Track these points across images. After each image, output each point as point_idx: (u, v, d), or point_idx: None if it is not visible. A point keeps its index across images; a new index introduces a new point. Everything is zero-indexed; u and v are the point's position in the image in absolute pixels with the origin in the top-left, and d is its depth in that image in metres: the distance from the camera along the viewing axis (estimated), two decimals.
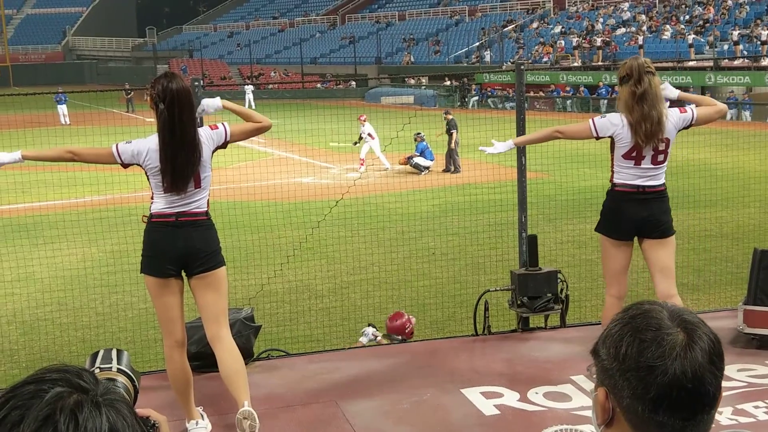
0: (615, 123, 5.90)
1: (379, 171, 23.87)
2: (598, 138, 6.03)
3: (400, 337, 8.49)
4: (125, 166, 5.36)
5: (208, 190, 5.37)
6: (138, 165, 5.30)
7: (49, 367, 1.43)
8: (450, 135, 23.64)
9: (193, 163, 5.19)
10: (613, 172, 6.05)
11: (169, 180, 5.18)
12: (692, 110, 5.98)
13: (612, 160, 6.03)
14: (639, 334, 1.65)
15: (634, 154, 5.88)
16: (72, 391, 1.37)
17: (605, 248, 6.18)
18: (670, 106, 6.04)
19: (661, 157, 5.91)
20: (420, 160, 23.59)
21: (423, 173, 23.25)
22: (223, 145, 5.40)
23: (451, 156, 23.52)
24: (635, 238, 6.12)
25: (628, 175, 5.95)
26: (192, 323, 6.28)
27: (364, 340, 8.64)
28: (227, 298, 5.58)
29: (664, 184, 6.03)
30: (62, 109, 40.14)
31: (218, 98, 5.67)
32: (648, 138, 5.77)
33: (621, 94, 5.91)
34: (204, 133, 5.28)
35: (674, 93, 6.19)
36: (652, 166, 5.91)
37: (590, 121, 6.07)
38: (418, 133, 23.40)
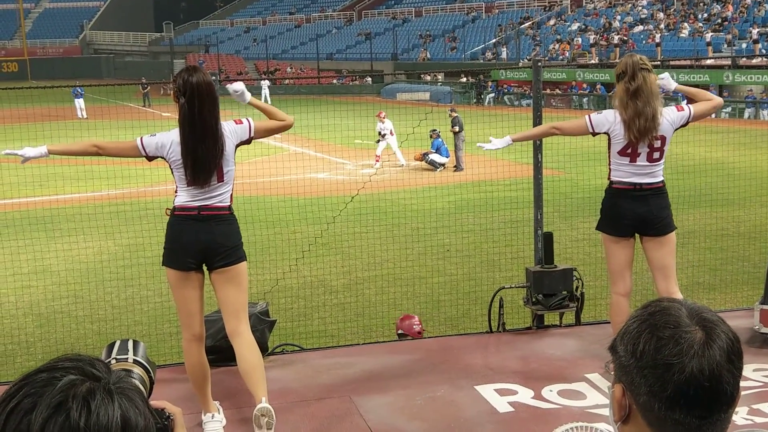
0: (610, 119, 5.96)
1: (395, 167, 23.88)
2: (594, 134, 6.07)
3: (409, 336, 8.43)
4: (150, 158, 5.39)
5: (231, 184, 5.38)
6: (162, 158, 5.33)
7: (63, 356, 1.44)
8: (453, 127, 23.73)
9: (215, 156, 5.20)
10: (610, 169, 6.10)
11: (191, 173, 5.20)
12: (689, 108, 6.04)
13: (609, 157, 6.08)
14: (657, 332, 1.64)
15: (629, 150, 5.92)
16: (84, 379, 1.38)
17: (607, 246, 6.23)
18: (666, 103, 6.05)
19: (656, 155, 5.95)
20: (435, 157, 23.63)
21: (438, 170, 23.27)
22: (247, 141, 5.41)
23: (457, 157, 23.57)
24: (637, 236, 6.14)
25: (624, 173, 6.00)
26: (208, 317, 6.30)
27: None
28: (247, 293, 5.59)
29: (662, 180, 6.05)
30: (79, 102, 40.34)
31: (249, 96, 5.66)
32: (641, 134, 5.80)
33: (617, 91, 5.99)
34: (228, 128, 5.30)
35: (672, 85, 6.22)
36: (648, 163, 5.95)
37: (586, 117, 6.13)
38: (434, 130, 23.44)
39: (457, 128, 23.59)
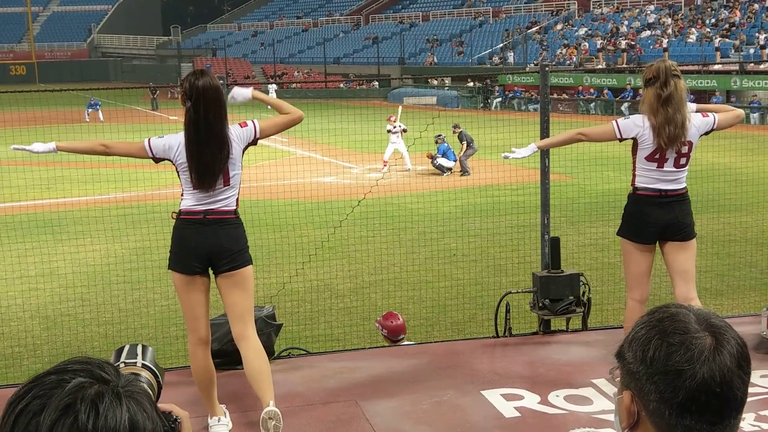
0: (638, 124, 5.89)
1: (401, 171, 23.89)
2: (621, 139, 6.01)
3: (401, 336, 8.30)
4: (157, 160, 5.40)
5: (237, 188, 5.37)
6: (169, 160, 5.33)
7: (72, 359, 1.44)
8: (462, 143, 23.78)
9: (220, 161, 5.20)
10: (634, 175, 6.02)
11: (196, 177, 5.21)
12: (714, 115, 6.01)
13: (634, 162, 6.01)
14: (667, 338, 1.64)
15: (657, 156, 5.87)
16: (93, 382, 1.38)
17: (628, 252, 6.16)
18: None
19: (683, 161, 5.91)
20: (443, 161, 23.66)
21: (446, 174, 23.29)
22: (254, 142, 5.41)
23: (461, 162, 23.63)
24: (657, 241, 6.11)
25: (650, 179, 5.94)
26: (214, 320, 6.30)
27: None
28: (253, 297, 5.59)
29: (685, 187, 6.03)
30: (94, 109, 40.40)
31: (251, 88, 5.68)
32: (671, 141, 5.77)
33: (645, 96, 5.89)
34: (234, 132, 5.30)
35: (692, 107, 6.15)
36: (675, 169, 5.90)
37: (614, 122, 6.05)
38: (439, 135, 23.45)
39: (465, 143, 23.64)
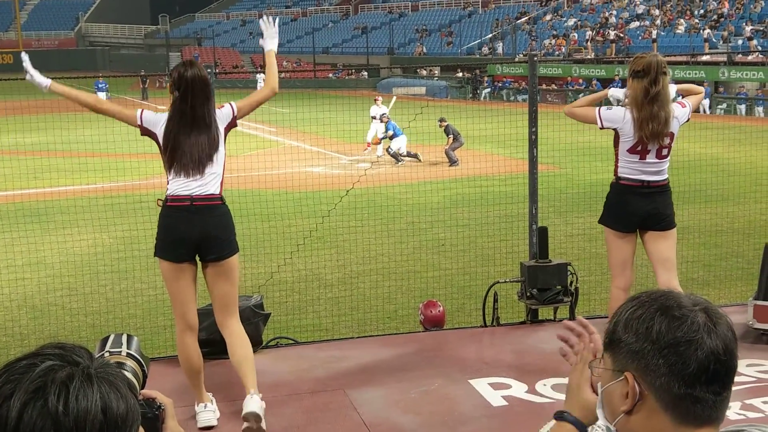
0: (619, 116, 5.94)
1: (390, 162, 23.87)
2: (601, 128, 6.05)
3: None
4: (143, 132, 5.43)
5: (221, 167, 5.39)
6: (155, 135, 5.35)
7: (46, 344, 1.45)
8: (448, 136, 23.67)
9: (205, 147, 5.26)
10: (617, 165, 6.09)
11: (177, 163, 5.27)
12: (688, 103, 6.09)
13: (616, 154, 6.07)
14: (669, 312, 1.70)
15: (639, 148, 5.92)
16: (64, 365, 1.38)
17: (610, 240, 6.25)
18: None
19: (665, 152, 5.98)
20: (394, 145, 23.40)
21: (401, 163, 22.98)
22: (233, 123, 5.51)
23: (446, 153, 23.53)
24: (637, 230, 6.16)
25: (632, 170, 6.00)
26: (202, 309, 6.29)
27: None
28: (237, 286, 5.62)
29: (667, 178, 6.10)
30: (101, 95, 40.51)
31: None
32: (653, 136, 5.82)
33: (631, 89, 5.88)
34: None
35: (673, 89, 6.20)
36: (657, 161, 5.96)
37: (596, 110, 6.09)
38: (383, 114, 23.06)
39: (451, 136, 23.51)
